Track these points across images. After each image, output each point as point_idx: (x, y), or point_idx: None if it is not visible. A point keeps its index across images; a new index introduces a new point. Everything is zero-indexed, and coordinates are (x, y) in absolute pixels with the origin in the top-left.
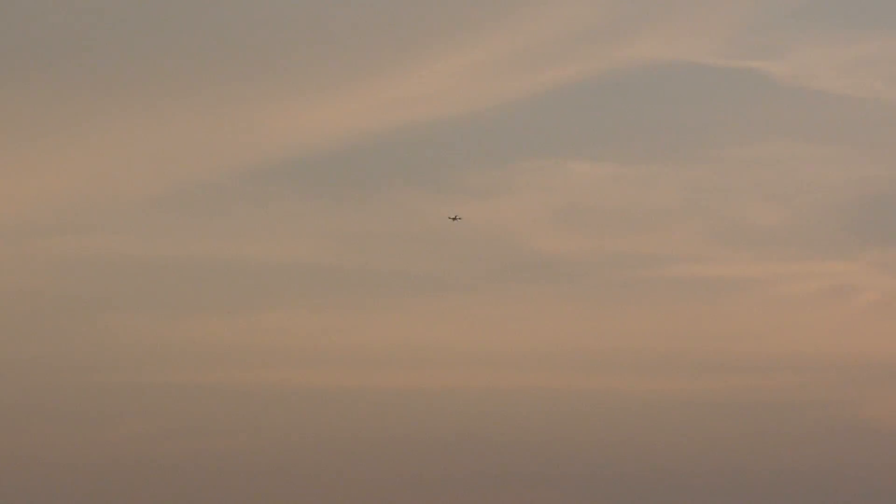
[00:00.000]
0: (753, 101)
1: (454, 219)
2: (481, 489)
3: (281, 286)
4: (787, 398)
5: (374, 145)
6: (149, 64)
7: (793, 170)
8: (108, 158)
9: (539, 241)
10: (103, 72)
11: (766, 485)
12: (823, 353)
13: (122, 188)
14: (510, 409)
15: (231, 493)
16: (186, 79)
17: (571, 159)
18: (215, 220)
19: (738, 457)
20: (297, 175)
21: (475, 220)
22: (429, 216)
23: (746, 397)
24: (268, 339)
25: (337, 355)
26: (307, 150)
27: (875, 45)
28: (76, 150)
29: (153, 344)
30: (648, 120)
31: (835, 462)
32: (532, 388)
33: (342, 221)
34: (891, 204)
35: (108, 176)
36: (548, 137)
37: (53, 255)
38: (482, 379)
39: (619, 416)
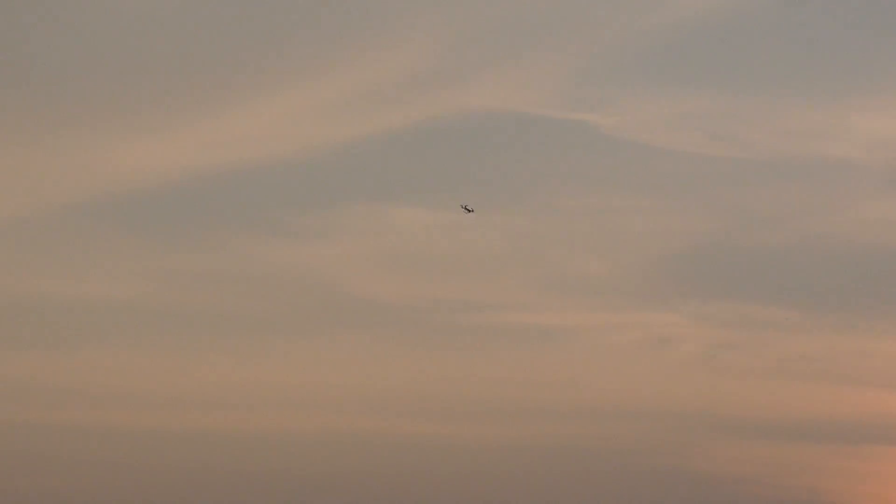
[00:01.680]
0: (581, 153)
1: (467, 209)
2: None
3: (100, 324)
4: (610, 445)
5: (202, 184)
6: None
7: (618, 221)
8: None
9: (364, 286)
10: None
11: None
12: (644, 402)
13: None
14: (330, 451)
15: None
16: (4, 112)
17: (399, 205)
18: (34, 256)
19: (565, 495)
20: (121, 212)
21: (300, 264)
22: (255, 258)
23: (568, 444)
24: (83, 378)
25: (156, 396)
26: (134, 187)
27: (699, 102)
28: None
29: None
30: (477, 168)
31: None
32: (353, 433)
33: (165, 260)
34: (712, 257)
35: None
36: (376, 182)
37: None
38: (304, 421)
39: (441, 462)
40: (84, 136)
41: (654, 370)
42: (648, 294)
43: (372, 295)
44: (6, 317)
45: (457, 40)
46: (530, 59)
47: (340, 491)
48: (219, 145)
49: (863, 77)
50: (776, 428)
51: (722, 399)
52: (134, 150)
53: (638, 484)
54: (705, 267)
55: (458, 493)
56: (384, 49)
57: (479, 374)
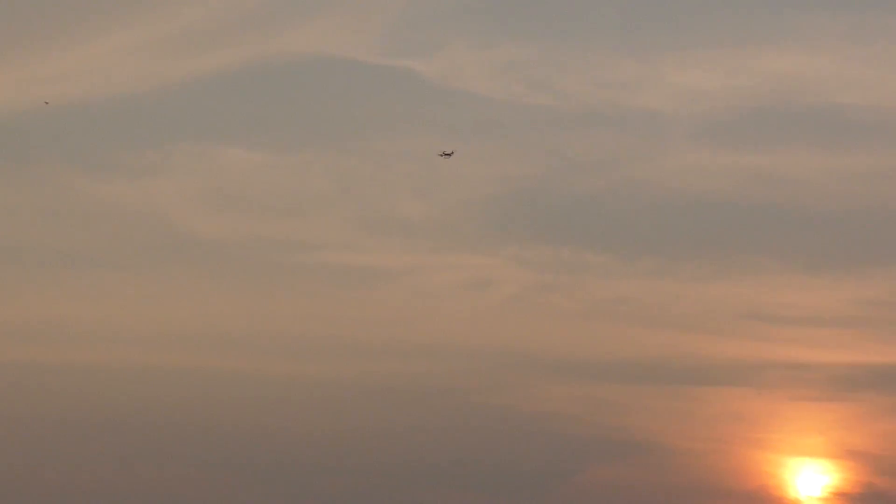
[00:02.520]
0: (405, 99)
1: (447, 154)
2: (120, 466)
3: None
4: (431, 383)
5: (29, 121)
6: None
7: (441, 166)
8: None
9: (192, 224)
10: None
11: (404, 465)
12: (465, 341)
13: None
14: (159, 388)
15: None
16: None
17: (227, 145)
18: None
19: (377, 439)
20: None
21: (126, 201)
22: (82, 194)
23: (391, 381)
24: None
25: None
26: None
27: (520, 52)
28: None
29: None
30: (302, 111)
31: (471, 446)
32: (180, 368)
33: None
34: (530, 202)
35: None
36: (203, 122)
37: None
38: (132, 357)
39: (265, 396)
40: None
41: (475, 311)
42: (469, 237)
43: (199, 232)
44: None
45: None
46: (357, 6)
47: (164, 424)
48: (47, 82)
49: (674, 33)
50: (591, 367)
51: (540, 339)
52: None
53: (458, 419)
54: (524, 211)
55: (280, 428)
56: None
57: (304, 311)
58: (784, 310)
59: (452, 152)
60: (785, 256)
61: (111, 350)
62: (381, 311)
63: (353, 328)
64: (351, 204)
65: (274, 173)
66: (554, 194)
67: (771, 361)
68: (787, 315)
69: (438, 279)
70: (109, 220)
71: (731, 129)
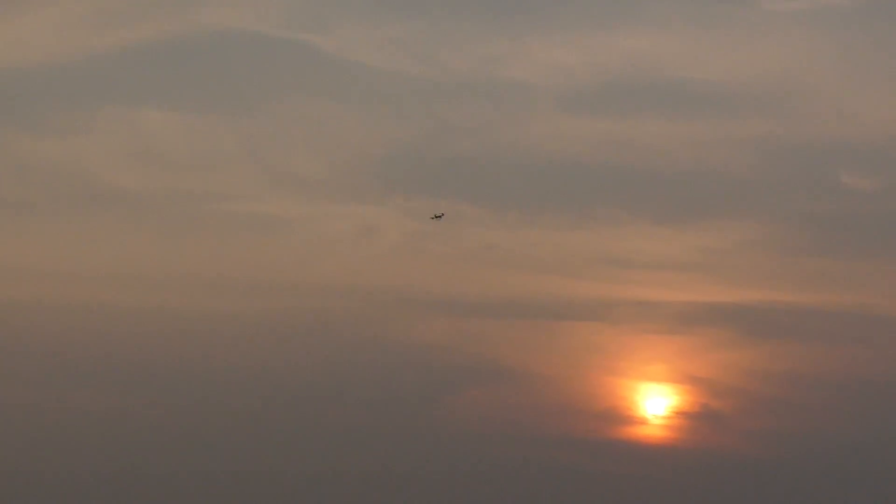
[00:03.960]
0: (303, 68)
1: (438, 217)
2: (43, 397)
3: None
4: (327, 318)
5: None
6: None
7: (336, 128)
8: None
9: (115, 177)
10: None
11: (301, 390)
12: (356, 282)
13: None
14: (83, 323)
15: None
16: None
17: (146, 107)
18: None
19: (277, 368)
20: None
21: (57, 157)
22: (17, 150)
23: (291, 317)
24: None
25: None
26: None
27: (406, 28)
28: None
29: None
30: (213, 78)
31: (360, 373)
32: (103, 304)
33: None
34: (414, 160)
35: None
36: (125, 88)
37: None
38: (60, 295)
39: (174, 331)
40: None
41: (364, 255)
42: (360, 190)
43: (121, 185)
44: None
45: None
46: None
47: (88, 357)
48: None
49: (542, 14)
50: (465, 305)
51: (420, 280)
52: None
53: (348, 351)
54: (408, 168)
55: (191, 358)
56: None
57: (214, 254)
58: (634, 255)
59: (443, 215)
60: (635, 210)
61: (41, 289)
62: (281, 255)
63: (258, 270)
64: (256, 160)
65: (188, 133)
66: (435, 154)
67: (622, 300)
68: (637, 260)
69: (332, 227)
70: (41, 173)
71: (591, 99)
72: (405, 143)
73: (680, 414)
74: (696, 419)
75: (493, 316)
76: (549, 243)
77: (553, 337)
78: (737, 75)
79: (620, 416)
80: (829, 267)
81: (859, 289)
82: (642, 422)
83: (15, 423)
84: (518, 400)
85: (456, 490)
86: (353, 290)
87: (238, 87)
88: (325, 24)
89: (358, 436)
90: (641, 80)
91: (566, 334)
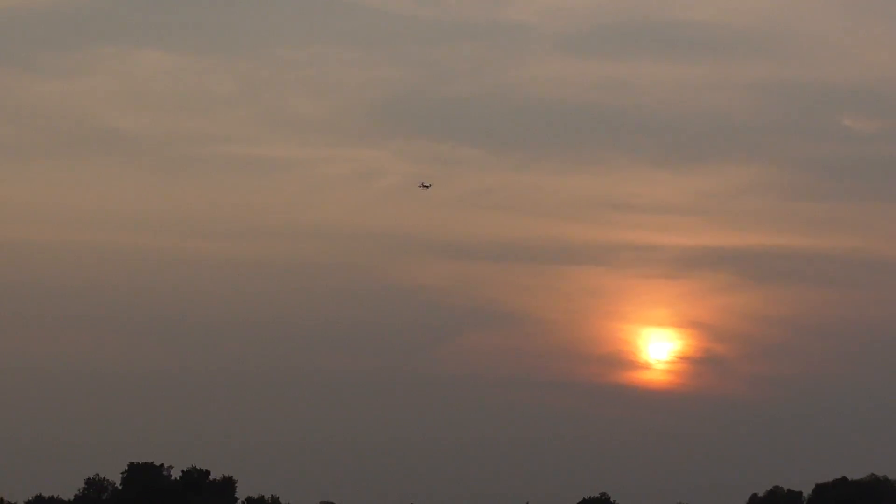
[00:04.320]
0: (302, 10)
1: (425, 186)
2: (39, 330)
3: None
4: (326, 261)
5: None
6: None
7: (335, 70)
8: None
9: (112, 119)
10: None
11: (296, 330)
12: (355, 225)
13: None
14: (81, 260)
15: None
16: None
17: (143, 48)
18: None
19: (272, 307)
20: None
21: (53, 98)
22: (12, 92)
23: (292, 260)
24: None
25: None
26: None
27: None
28: None
29: None
30: (212, 19)
31: (358, 315)
32: (100, 243)
33: None
34: (413, 103)
35: None
36: (122, 27)
37: None
38: (58, 233)
39: (173, 273)
40: None
41: (363, 198)
42: (358, 133)
43: (119, 127)
44: None
45: None
46: None
47: (86, 290)
48: None
49: None
50: (465, 248)
51: (419, 223)
52: None
53: (347, 293)
54: (407, 111)
55: (187, 294)
56: None
57: (210, 197)
58: (634, 199)
59: (430, 185)
60: (635, 153)
61: (40, 227)
62: (278, 197)
63: (254, 212)
64: (253, 103)
65: (186, 75)
66: (435, 96)
67: (622, 244)
68: (637, 203)
69: (330, 170)
70: (39, 114)
71: (591, 41)
72: (405, 84)
73: (683, 359)
74: (699, 364)
75: (493, 260)
76: (549, 186)
77: (553, 281)
78: (738, 17)
79: (623, 361)
80: (830, 210)
81: (861, 232)
82: (645, 367)
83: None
84: (518, 344)
85: (455, 434)
86: (352, 233)
87: (236, 29)
88: None
89: (356, 380)
90: (642, 21)
91: (566, 278)
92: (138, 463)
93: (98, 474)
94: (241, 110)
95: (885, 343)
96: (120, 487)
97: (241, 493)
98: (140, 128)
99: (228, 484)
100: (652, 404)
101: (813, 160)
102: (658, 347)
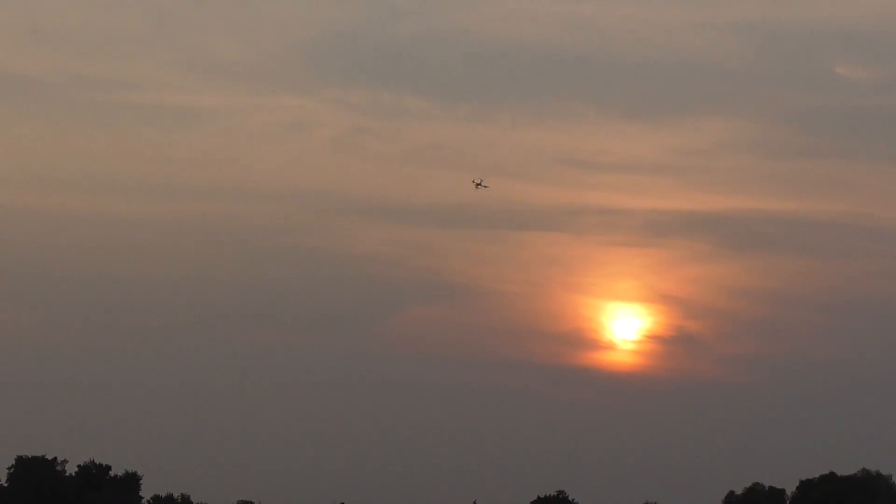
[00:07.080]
0: None
1: (479, 184)
2: None
3: None
4: (248, 223)
5: None
6: None
7: (259, 7)
8: None
9: (8, 61)
10: None
11: (219, 302)
12: (282, 182)
13: None
14: None
15: None
16: None
17: None
18: None
19: (196, 275)
20: None
21: None
22: None
23: (209, 220)
24: None
25: None
26: None
27: None
28: None
29: None
30: None
31: (288, 286)
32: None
33: None
34: (350, 45)
35: None
36: None
37: None
38: None
39: (71, 234)
40: None
41: (293, 153)
42: (287, 78)
43: (16, 71)
44: None
45: None
46: None
47: None
48: None
49: None
50: (409, 211)
51: (358, 182)
52: None
53: (275, 260)
54: (344, 54)
55: (95, 269)
56: None
57: (119, 150)
58: (600, 156)
59: (488, 185)
60: (602, 104)
61: None
62: (197, 151)
63: (171, 169)
64: (168, 43)
65: (91, 11)
66: (375, 38)
67: (586, 207)
68: (603, 161)
69: (255, 120)
70: None
71: None
72: (341, 25)
73: (652, 338)
74: (670, 343)
75: (440, 224)
76: (505, 142)
77: (507, 248)
78: None
79: (585, 340)
80: (820, 170)
81: (855, 195)
82: (610, 346)
83: None
84: (469, 319)
85: (394, 422)
86: (280, 192)
87: None
88: None
89: (281, 360)
90: None
91: (522, 245)
92: (27, 457)
93: None
94: (154, 51)
95: (881, 318)
96: (6, 484)
97: (147, 490)
98: (40, 71)
99: (132, 480)
100: (617, 389)
101: (802, 113)
102: (624, 324)
